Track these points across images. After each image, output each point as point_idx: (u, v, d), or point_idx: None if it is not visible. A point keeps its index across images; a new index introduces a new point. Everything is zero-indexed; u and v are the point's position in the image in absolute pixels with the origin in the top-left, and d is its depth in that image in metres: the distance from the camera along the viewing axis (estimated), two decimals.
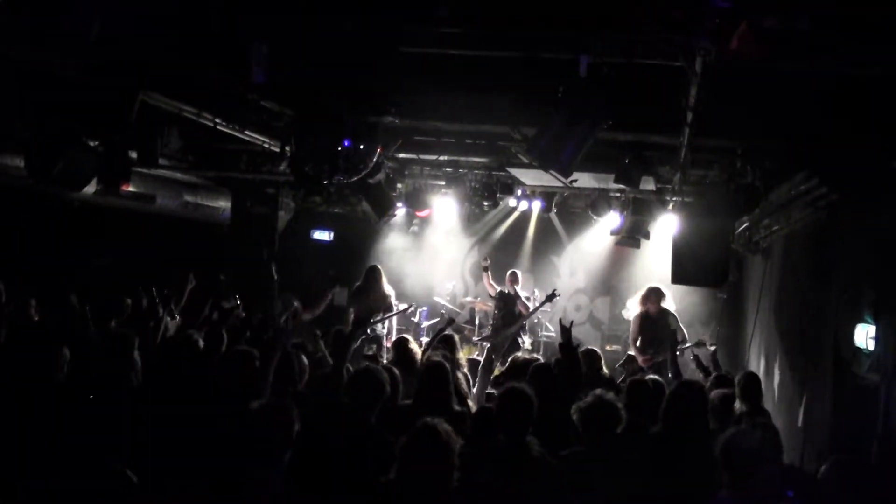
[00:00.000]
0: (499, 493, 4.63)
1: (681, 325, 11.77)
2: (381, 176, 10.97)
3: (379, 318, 12.28)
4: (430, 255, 15.79)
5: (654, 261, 13.45)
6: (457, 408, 6.38)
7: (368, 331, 11.93)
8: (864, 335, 6.07)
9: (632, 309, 12.10)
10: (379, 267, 13.10)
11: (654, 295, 11.72)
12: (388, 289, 12.84)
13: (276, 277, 9.14)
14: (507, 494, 3.95)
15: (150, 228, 12.77)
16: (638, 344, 11.70)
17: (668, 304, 11.79)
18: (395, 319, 13.02)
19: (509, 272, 13.72)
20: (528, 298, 13.74)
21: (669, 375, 8.47)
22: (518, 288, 13.53)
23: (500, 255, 15.90)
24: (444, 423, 4.49)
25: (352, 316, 12.41)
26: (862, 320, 6.14)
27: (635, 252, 14.00)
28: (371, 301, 12.52)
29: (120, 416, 5.39)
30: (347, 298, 13.15)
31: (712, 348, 10.35)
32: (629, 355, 11.66)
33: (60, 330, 7.62)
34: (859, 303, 6.33)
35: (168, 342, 8.06)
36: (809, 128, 6.76)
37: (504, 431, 5.34)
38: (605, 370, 8.71)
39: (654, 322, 11.68)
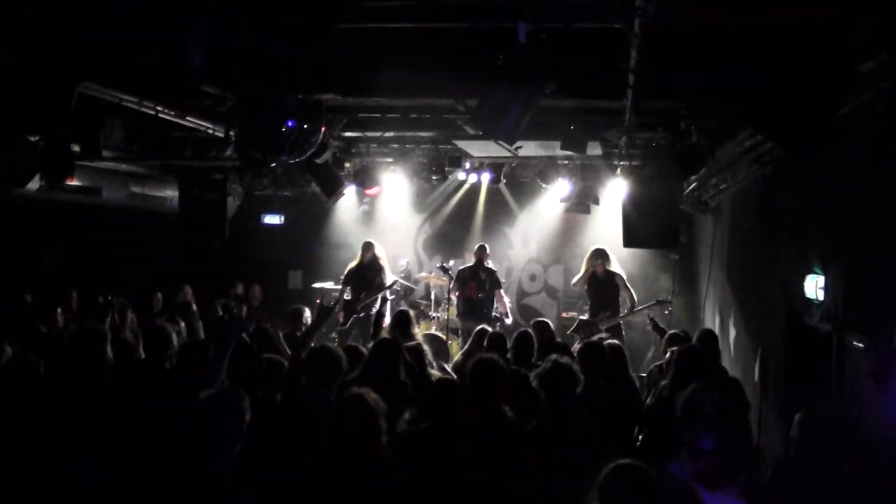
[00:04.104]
0: (480, 462, 4.62)
1: (629, 286, 11.87)
2: (327, 155, 10.90)
3: (364, 297, 12.43)
4: (383, 233, 15.70)
5: (606, 226, 13.54)
6: (402, 378, 6.31)
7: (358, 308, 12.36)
8: (814, 286, 6.14)
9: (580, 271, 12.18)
10: (372, 242, 13.09)
11: (601, 256, 11.79)
12: (383, 263, 12.96)
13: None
14: (489, 463, 3.92)
15: (98, 221, 12.58)
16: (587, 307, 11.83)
17: (615, 266, 11.88)
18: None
19: (479, 245, 13.32)
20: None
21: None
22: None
23: (452, 229, 15.92)
24: (372, 392, 4.68)
25: (346, 295, 12.65)
26: (811, 271, 6.22)
27: (586, 218, 14.08)
28: (365, 279, 12.71)
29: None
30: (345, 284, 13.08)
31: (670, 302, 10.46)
32: (581, 320, 11.75)
33: (7, 326, 7.46)
34: (808, 254, 6.40)
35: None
36: (751, 84, 6.79)
37: (479, 402, 5.31)
38: (558, 338, 8.76)
39: (602, 283, 11.77)
